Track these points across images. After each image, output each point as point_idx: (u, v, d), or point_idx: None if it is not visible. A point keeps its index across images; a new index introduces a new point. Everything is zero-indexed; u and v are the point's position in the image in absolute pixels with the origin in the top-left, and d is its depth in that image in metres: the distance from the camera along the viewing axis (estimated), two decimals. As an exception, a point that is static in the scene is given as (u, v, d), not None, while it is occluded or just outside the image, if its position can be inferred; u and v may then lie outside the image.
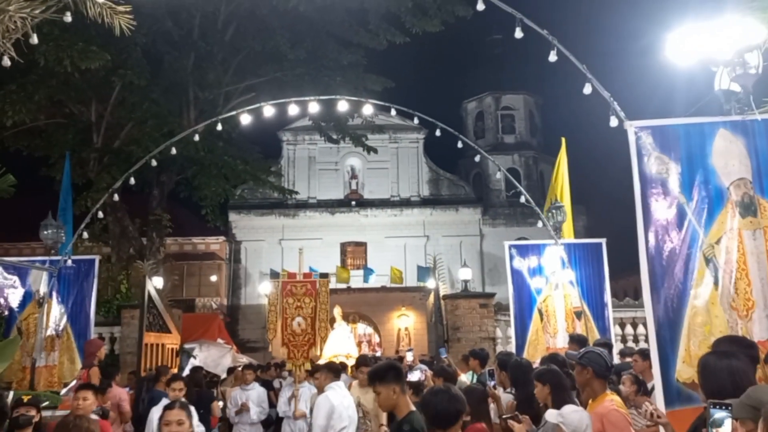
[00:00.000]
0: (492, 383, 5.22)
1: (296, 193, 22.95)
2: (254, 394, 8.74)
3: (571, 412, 3.96)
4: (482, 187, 34.92)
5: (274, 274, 9.26)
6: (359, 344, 30.51)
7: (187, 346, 13.19)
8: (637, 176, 4.46)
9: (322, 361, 15.69)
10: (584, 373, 4.12)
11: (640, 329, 12.01)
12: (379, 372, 3.63)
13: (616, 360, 7.40)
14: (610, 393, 4.16)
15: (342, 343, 18.08)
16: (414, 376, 6.69)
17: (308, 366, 8.20)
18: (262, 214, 32.57)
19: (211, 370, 12.06)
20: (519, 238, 26.03)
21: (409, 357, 9.69)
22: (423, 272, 29.22)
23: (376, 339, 32.48)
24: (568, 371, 4.88)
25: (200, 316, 21.95)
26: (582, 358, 4.15)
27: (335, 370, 6.38)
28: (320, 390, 6.22)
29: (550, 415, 3.98)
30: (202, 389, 9.10)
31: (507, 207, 33.05)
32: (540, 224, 10.15)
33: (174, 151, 9.90)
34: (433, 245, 31.94)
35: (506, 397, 5.41)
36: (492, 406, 5.30)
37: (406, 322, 29.34)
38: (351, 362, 15.56)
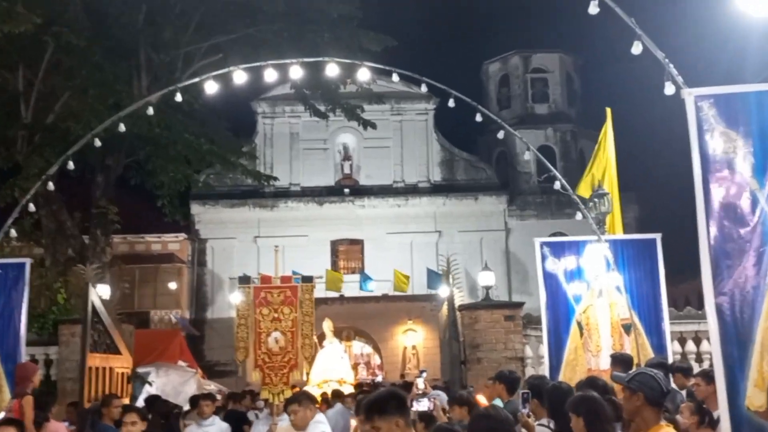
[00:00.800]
0: (525, 410, 5.29)
1: (275, 179, 22.93)
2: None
3: (616, 448, 4.02)
4: (508, 170, 34.94)
5: (243, 280, 9.22)
6: (355, 367, 30.70)
7: (140, 370, 13.25)
8: (697, 156, 4.49)
9: (309, 389, 15.73)
10: (633, 399, 4.17)
11: (705, 346, 12.08)
12: (378, 402, 3.63)
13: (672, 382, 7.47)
14: (665, 425, 4.21)
15: (334, 365, 18.22)
16: (421, 406, 6.75)
17: (289, 393, 8.18)
18: (232, 205, 32.64)
19: (171, 399, 12.12)
20: (554, 234, 26.14)
21: (420, 383, 9.74)
22: (434, 277, 29.26)
23: (376, 360, 32.66)
24: (612, 398, 4.93)
25: (157, 333, 22.02)
26: (631, 382, 4.20)
27: (316, 399, 6.38)
28: (299, 429, 6.06)
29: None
30: (170, 423, 9.16)
31: (539, 195, 33.04)
32: (579, 216, 10.20)
33: (122, 127, 9.91)
34: (447, 243, 32.04)
35: (541, 430, 5.47)
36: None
37: (413, 339, 29.47)
38: (347, 389, 15.75)
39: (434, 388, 9.72)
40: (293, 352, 8.60)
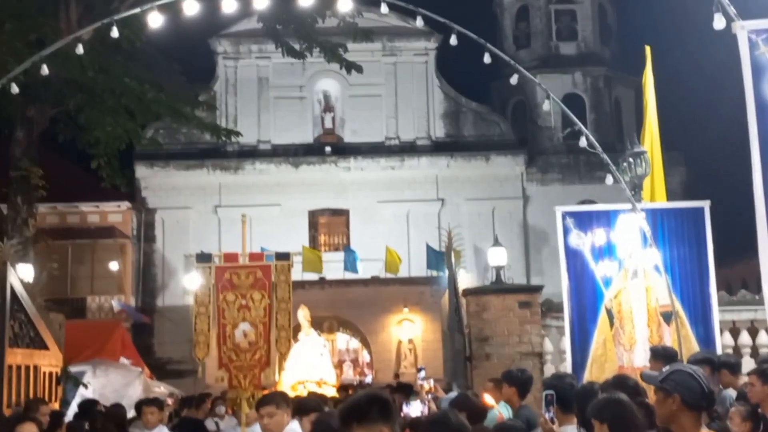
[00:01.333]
0: (549, 415, 5.35)
1: (238, 134, 22.77)
2: None
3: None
4: (526, 124, 34.92)
5: (203, 257, 9.15)
6: (339, 365, 30.89)
7: (74, 369, 13.30)
8: (752, 103, 4.48)
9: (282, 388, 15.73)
10: (668, 402, 4.19)
11: (764, 337, 12.19)
12: (357, 407, 3.66)
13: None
14: (706, 432, 4.26)
15: (311, 363, 18.30)
16: (413, 410, 6.83)
17: (258, 397, 8.20)
18: (187, 167, 32.59)
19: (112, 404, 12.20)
20: (582, 202, 26.19)
21: (421, 377, 9.83)
22: (435, 256, 29.39)
23: (364, 357, 32.85)
24: (644, 401, 4.97)
25: (94, 325, 22.10)
26: (665, 381, 4.22)
27: (301, 403, 6.43)
28: None
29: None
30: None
31: (564, 154, 33.07)
32: (610, 180, 10.20)
33: (46, 69, 9.81)
34: (451, 214, 32.07)
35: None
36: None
37: (410, 332, 29.66)
38: (328, 391, 15.84)
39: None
40: (265, 347, 8.58)
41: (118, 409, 9.93)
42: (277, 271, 8.78)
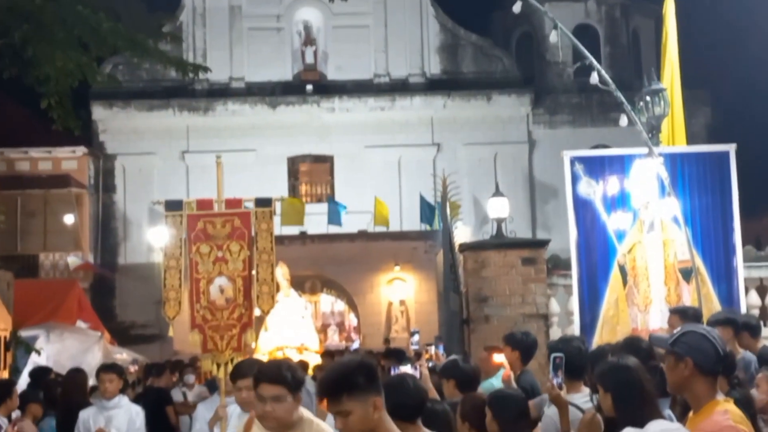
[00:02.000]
0: (557, 380, 5.41)
1: (208, 70, 22.46)
2: (120, 416, 8.63)
3: None
4: (533, 59, 34.74)
5: (172, 205, 8.99)
6: (323, 330, 31.00)
7: (25, 333, 13.38)
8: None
9: (259, 356, 15.84)
10: (680, 368, 4.23)
11: (792, 297, 12.31)
12: (345, 377, 3.65)
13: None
14: (723, 400, 4.29)
15: (291, 327, 18.43)
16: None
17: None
18: (150, 108, 32.41)
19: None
20: (595, 146, 26.10)
21: (415, 342, 9.85)
22: (430, 208, 29.39)
23: (351, 321, 33.00)
24: (657, 366, 5.02)
25: (48, 285, 22.11)
26: (676, 344, 4.25)
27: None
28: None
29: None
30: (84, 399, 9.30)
31: (574, 93, 32.97)
32: (625, 122, 10.19)
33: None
34: (448, 161, 32.02)
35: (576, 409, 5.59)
36: (554, 419, 5.50)
37: (402, 292, 29.78)
38: (311, 358, 15.92)
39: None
40: (246, 305, 8.32)
41: (77, 374, 9.93)
42: (258, 218, 8.58)
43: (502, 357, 7.45)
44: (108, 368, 9.01)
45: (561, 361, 5.42)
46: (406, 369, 6.74)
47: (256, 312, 8.67)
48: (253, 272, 8.51)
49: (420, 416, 4.33)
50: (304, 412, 5.21)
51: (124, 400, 8.82)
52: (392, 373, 6.93)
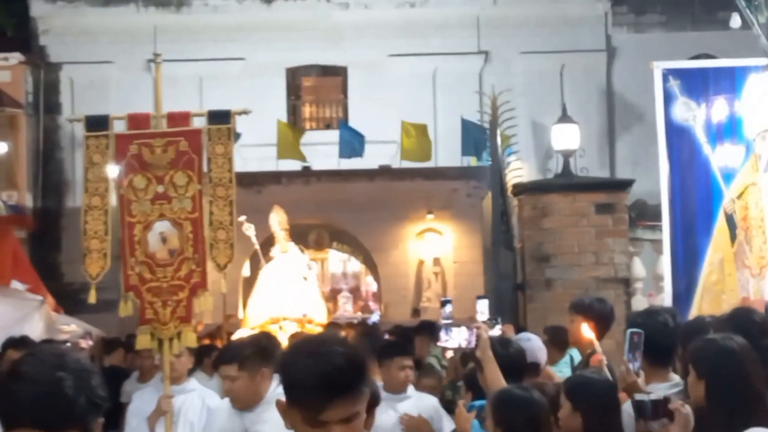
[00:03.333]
0: (634, 365, 5.42)
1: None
2: None
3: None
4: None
5: (95, 122, 8.73)
6: (332, 297, 31.10)
7: (-57, 296, 13.50)
8: None
9: (244, 332, 15.98)
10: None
11: None
12: (338, 378, 3.82)
13: None
14: None
15: (289, 293, 18.48)
16: (452, 341, 7.00)
17: (190, 340, 8.05)
18: (105, 2, 32.50)
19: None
20: (696, 57, 25.81)
21: (447, 314, 9.87)
22: (475, 136, 29.24)
23: (370, 285, 33.16)
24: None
25: (-27, 233, 22.30)
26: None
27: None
28: (243, 408, 6.49)
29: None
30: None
31: (669, -13, 32.84)
32: (737, 21, 10.09)
33: None
34: (500, 75, 31.80)
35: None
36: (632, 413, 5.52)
37: (436, 248, 29.88)
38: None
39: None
40: (197, 259, 7.97)
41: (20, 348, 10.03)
42: (212, 139, 8.20)
43: (589, 331, 7.39)
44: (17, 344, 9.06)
45: (639, 340, 5.41)
46: (460, 332, 6.79)
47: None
48: (206, 214, 8.15)
49: None
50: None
51: None
52: (443, 337, 7.03)
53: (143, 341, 8.04)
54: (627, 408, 5.62)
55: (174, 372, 7.97)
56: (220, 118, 8.33)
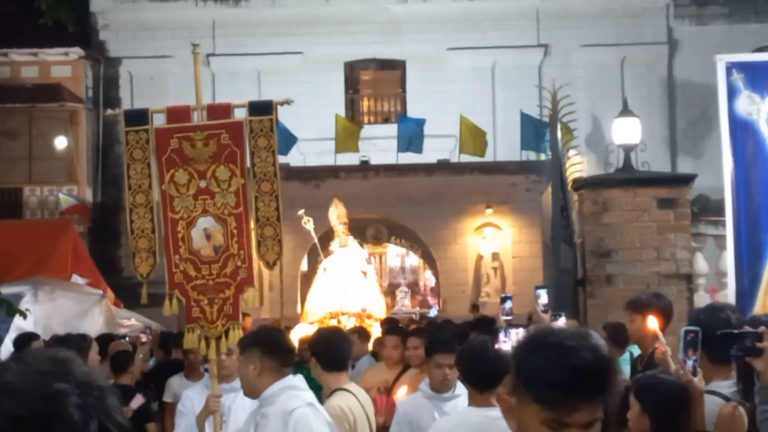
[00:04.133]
0: (689, 362, 5.35)
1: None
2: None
3: None
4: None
5: (134, 117, 8.53)
6: (390, 292, 31.13)
7: (6, 290, 13.61)
8: None
9: (303, 328, 16.01)
10: None
11: None
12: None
13: None
14: None
15: (349, 288, 18.49)
16: (514, 340, 6.90)
17: (237, 338, 7.86)
18: (164, -3, 32.69)
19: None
20: (760, 49, 25.49)
21: (507, 310, 9.84)
22: (535, 130, 29.13)
23: (428, 280, 33.10)
24: None
25: (34, 227, 22.49)
26: None
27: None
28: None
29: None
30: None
31: (734, -24, 32.51)
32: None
33: None
34: (559, 68, 31.76)
35: (714, 401, 5.55)
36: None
37: (495, 243, 29.78)
38: (375, 330, 15.94)
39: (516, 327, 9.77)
40: (242, 255, 7.76)
41: (81, 342, 10.12)
42: (254, 132, 7.95)
43: (654, 322, 7.27)
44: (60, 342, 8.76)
45: (696, 337, 5.35)
46: (520, 335, 6.72)
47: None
48: (252, 210, 7.92)
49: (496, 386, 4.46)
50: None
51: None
52: (501, 338, 6.97)
53: (190, 340, 7.92)
54: None
55: (223, 370, 7.88)
56: (261, 109, 8.13)
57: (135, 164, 8.00)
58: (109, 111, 11.95)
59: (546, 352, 2.74)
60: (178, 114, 8.11)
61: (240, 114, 8.12)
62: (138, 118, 8.12)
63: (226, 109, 8.10)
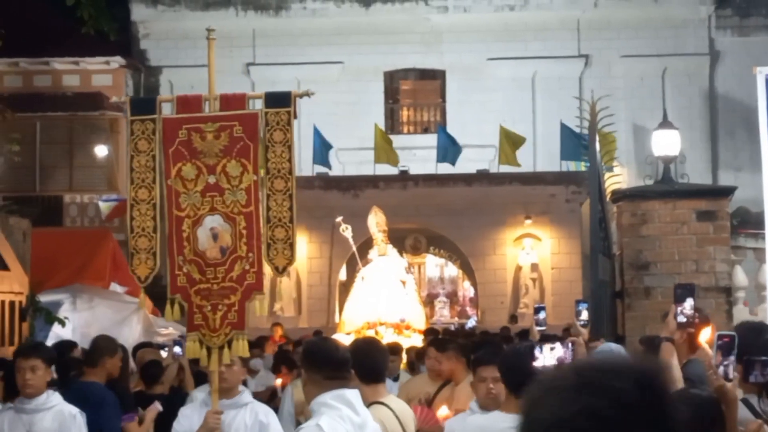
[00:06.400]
0: (722, 368, 5.32)
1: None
2: (46, 423, 7.93)
3: None
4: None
5: (140, 106, 7.89)
6: (429, 302, 31.04)
7: (45, 298, 13.68)
8: None
9: (340, 338, 16.00)
10: None
11: None
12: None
13: None
14: None
15: (388, 298, 18.40)
16: (549, 357, 6.85)
17: (241, 349, 7.42)
18: (205, 6, 32.92)
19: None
20: (802, 62, 25.44)
21: (541, 320, 9.83)
22: (574, 141, 29.02)
23: (467, 291, 33.02)
24: None
25: (73, 235, 22.60)
26: None
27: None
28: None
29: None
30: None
31: (777, -13, 32.28)
32: None
33: None
34: (600, 79, 31.70)
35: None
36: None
37: (534, 254, 29.68)
38: (414, 340, 15.88)
39: (558, 340, 9.71)
40: (251, 258, 7.22)
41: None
42: (271, 122, 7.39)
43: (708, 333, 7.09)
44: (29, 352, 8.17)
45: (730, 342, 5.32)
46: (556, 351, 6.67)
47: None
48: (263, 209, 7.34)
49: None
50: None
51: (54, 399, 8.05)
52: (537, 355, 6.92)
53: (193, 350, 7.32)
54: None
55: (224, 383, 7.35)
56: (279, 100, 7.56)
57: (139, 156, 7.55)
58: (114, 98, 11.68)
59: (563, 393, 2.31)
60: (188, 103, 7.73)
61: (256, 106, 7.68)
62: (145, 106, 7.72)
63: (240, 100, 7.66)
